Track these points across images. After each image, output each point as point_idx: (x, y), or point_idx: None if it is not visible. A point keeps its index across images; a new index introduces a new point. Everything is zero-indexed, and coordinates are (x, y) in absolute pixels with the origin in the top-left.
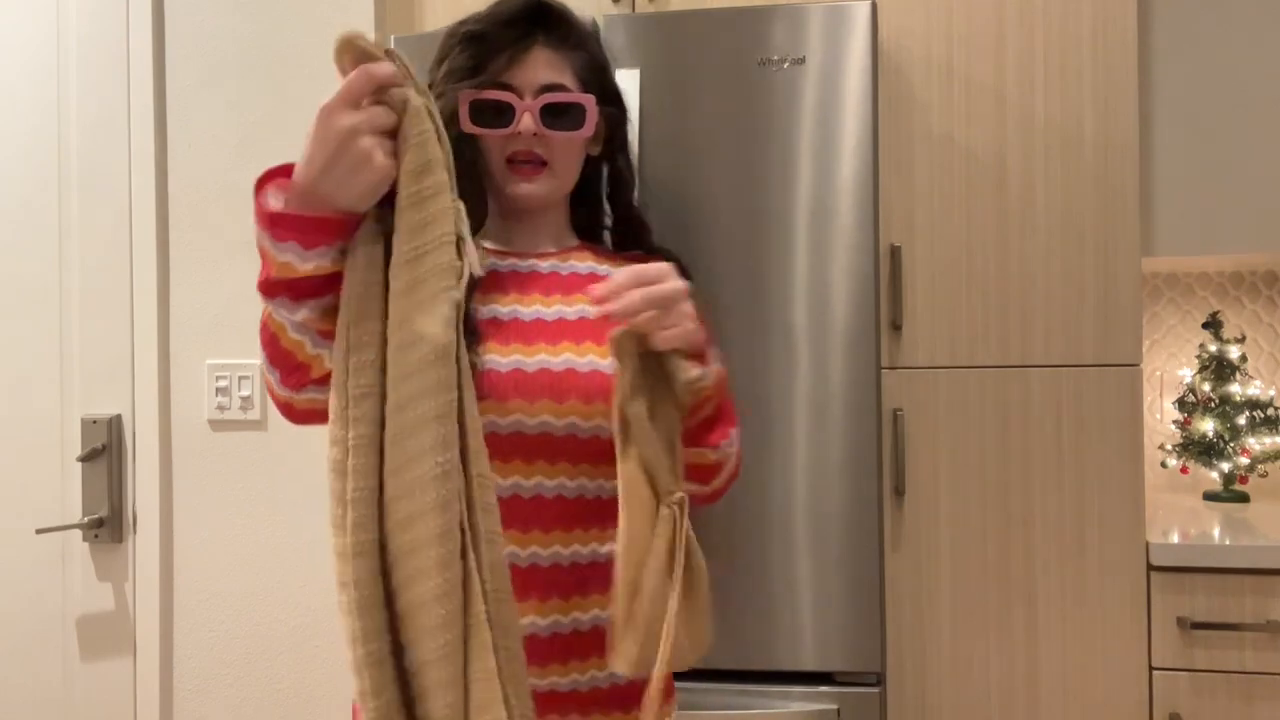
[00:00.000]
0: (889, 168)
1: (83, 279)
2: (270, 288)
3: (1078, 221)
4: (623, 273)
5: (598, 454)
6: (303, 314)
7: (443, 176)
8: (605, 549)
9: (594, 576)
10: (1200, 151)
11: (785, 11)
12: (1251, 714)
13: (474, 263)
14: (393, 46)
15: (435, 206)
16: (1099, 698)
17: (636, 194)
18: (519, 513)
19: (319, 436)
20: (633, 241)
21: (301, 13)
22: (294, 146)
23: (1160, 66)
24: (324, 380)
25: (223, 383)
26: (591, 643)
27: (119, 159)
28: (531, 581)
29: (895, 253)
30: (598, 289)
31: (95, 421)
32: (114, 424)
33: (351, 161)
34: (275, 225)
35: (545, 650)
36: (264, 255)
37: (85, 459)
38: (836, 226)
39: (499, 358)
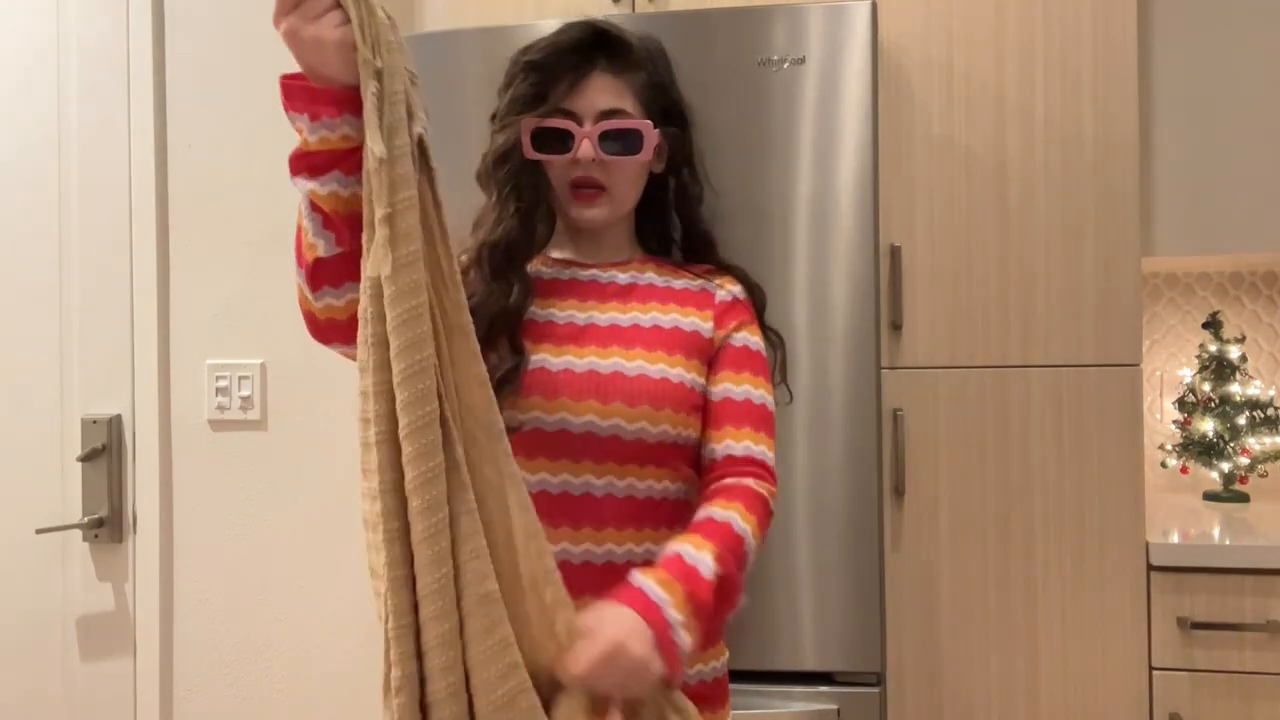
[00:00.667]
0: (889, 168)
1: (83, 279)
2: (293, 163)
3: (1078, 221)
4: (594, 649)
5: (643, 456)
6: (311, 187)
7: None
8: (659, 549)
9: None
10: (1200, 151)
11: (785, 11)
12: (1251, 714)
13: (376, 147)
14: None
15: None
16: (1099, 698)
17: (704, 206)
18: (569, 510)
19: (319, 437)
20: (699, 255)
21: None
22: (293, 146)
23: (1160, 66)
24: (329, 279)
25: (223, 383)
26: None
27: (119, 159)
28: (584, 579)
29: (895, 253)
30: (571, 666)
31: (95, 421)
32: (114, 424)
33: (308, 51)
34: (287, 96)
35: None
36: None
37: (85, 459)
38: (836, 226)
39: (551, 358)
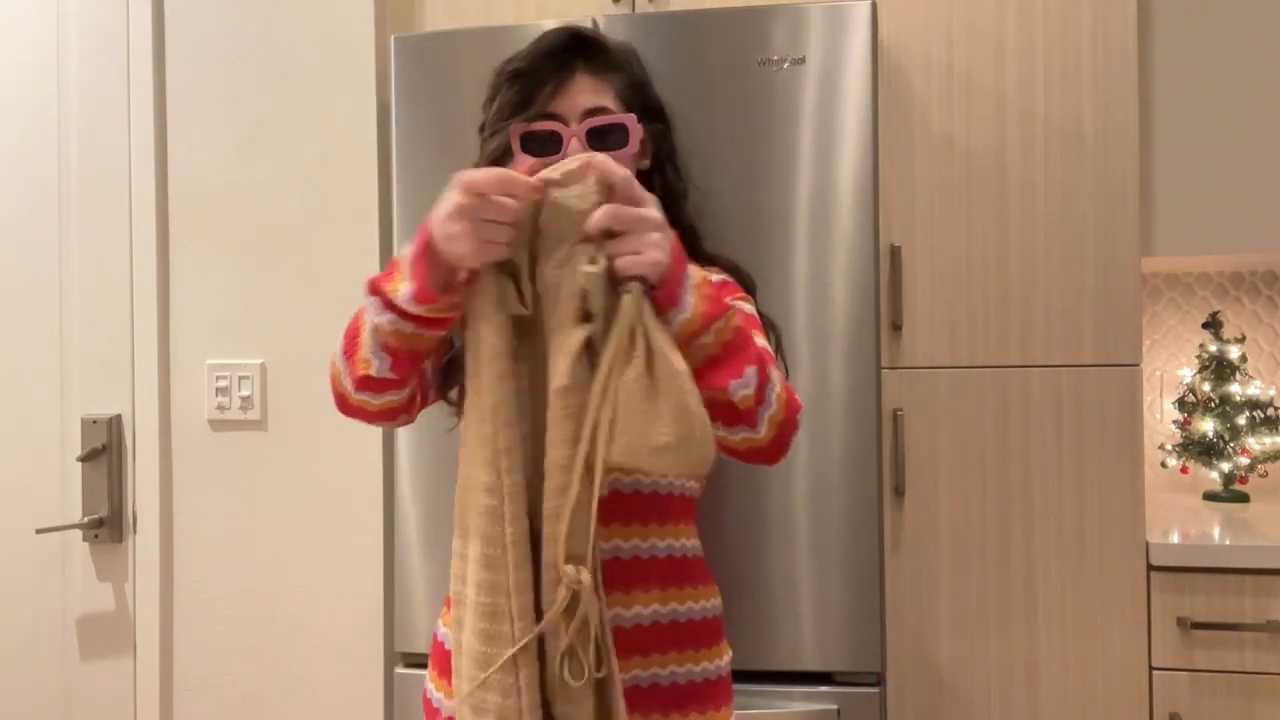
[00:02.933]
0: (889, 168)
1: (83, 279)
2: (370, 284)
3: (1078, 221)
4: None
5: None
6: (375, 315)
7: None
8: (665, 547)
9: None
10: (1200, 151)
11: (785, 11)
12: (1251, 714)
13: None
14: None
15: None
16: (1099, 698)
17: (691, 203)
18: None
19: (319, 437)
20: (689, 251)
21: (302, 11)
22: (293, 146)
23: (1160, 66)
24: (373, 388)
25: (223, 383)
26: (665, 637)
27: (119, 159)
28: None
29: (895, 253)
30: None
31: (95, 421)
32: (114, 424)
33: (451, 239)
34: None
35: (627, 643)
36: (399, 272)
37: (85, 459)
38: (836, 226)
39: None
